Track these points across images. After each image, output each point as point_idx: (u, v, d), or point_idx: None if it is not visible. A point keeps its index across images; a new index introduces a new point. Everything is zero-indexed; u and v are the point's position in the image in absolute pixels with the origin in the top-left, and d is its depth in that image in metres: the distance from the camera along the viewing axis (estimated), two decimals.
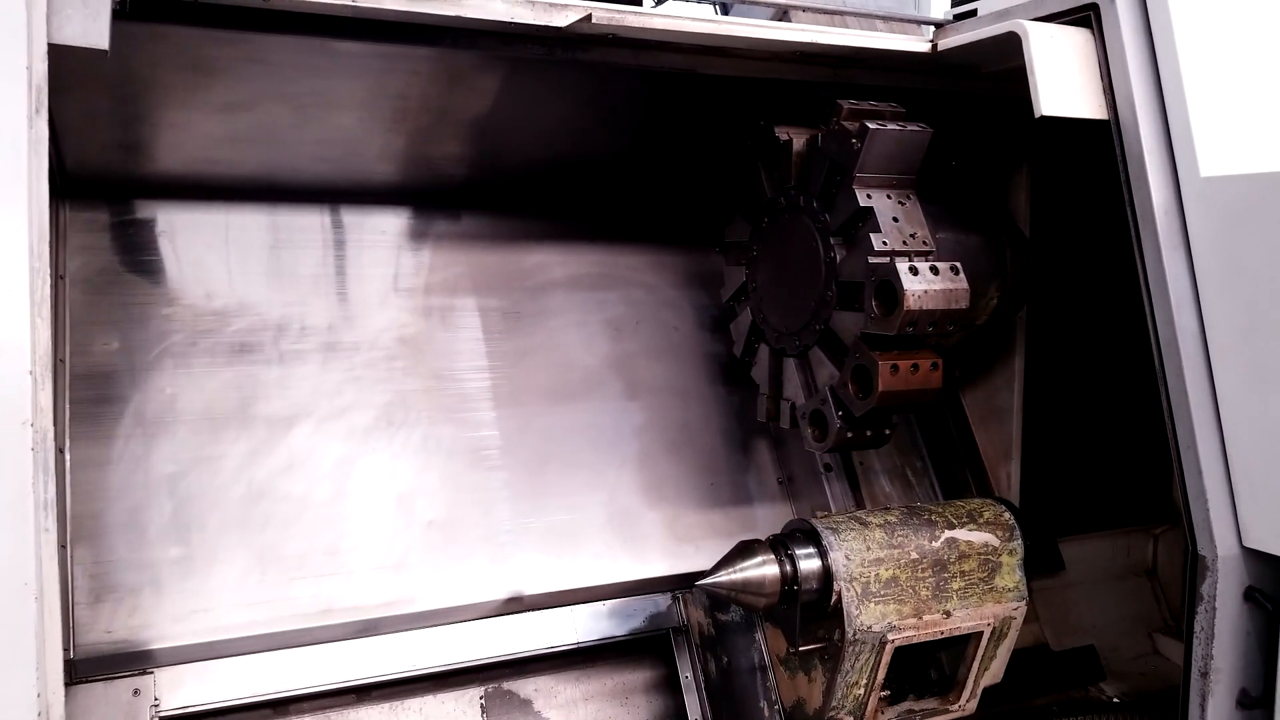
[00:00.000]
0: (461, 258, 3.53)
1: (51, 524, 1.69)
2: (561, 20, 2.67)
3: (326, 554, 3.05)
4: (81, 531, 2.81)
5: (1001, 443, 3.77)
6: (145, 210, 3.14)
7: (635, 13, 2.75)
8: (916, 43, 3.06)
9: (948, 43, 2.97)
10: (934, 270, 2.71)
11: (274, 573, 2.98)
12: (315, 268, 3.32)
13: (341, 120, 3.05)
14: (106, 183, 3.08)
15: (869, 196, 2.81)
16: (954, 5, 3.24)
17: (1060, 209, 3.68)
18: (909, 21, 3.51)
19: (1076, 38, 2.69)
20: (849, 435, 3.00)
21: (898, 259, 2.71)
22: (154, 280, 3.13)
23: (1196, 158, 2.52)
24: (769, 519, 3.61)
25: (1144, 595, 4.15)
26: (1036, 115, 2.62)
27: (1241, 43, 2.66)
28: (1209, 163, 2.51)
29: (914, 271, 2.68)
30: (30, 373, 1.71)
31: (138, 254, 3.13)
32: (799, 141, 3.09)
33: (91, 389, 2.96)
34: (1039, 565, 3.98)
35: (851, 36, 3.02)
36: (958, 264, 2.75)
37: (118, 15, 2.00)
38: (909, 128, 2.82)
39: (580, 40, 2.84)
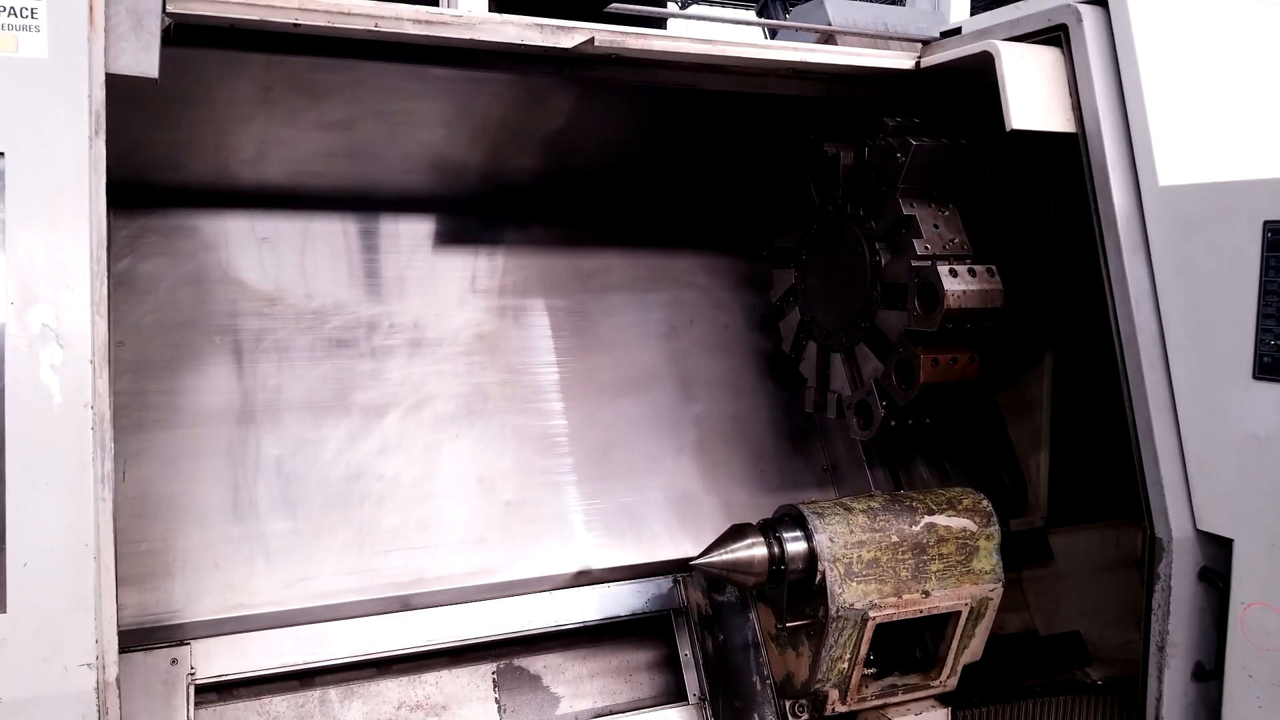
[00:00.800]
0: (531, 262, 3.81)
1: (108, 494, 1.94)
2: (568, 42, 2.87)
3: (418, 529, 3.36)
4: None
5: (1031, 434, 3.97)
6: (236, 219, 3.43)
7: (636, 34, 2.95)
8: (902, 60, 3.24)
9: (930, 61, 3.17)
10: (971, 272, 2.99)
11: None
12: (399, 270, 3.61)
13: (425, 135, 3.34)
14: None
15: (911, 205, 3.09)
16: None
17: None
18: (903, 40, 3.70)
19: (1047, 56, 2.88)
20: (892, 424, 3.27)
21: (939, 262, 2.99)
22: (256, 281, 3.42)
23: (1156, 168, 2.70)
24: None
25: (1132, 585, 4.28)
26: (1007, 129, 2.81)
27: (1198, 62, 2.83)
28: (1167, 172, 2.69)
29: (954, 274, 2.96)
30: (91, 362, 1.95)
31: (235, 258, 3.41)
32: (846, 156, 3.38)
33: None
34: (1028, 555, 4.17)
35: (840, 55, 3.20)
36: (993, 266, 3.03)
37: (165, 41, 2.24)
38: (946, 142, 3.08)
39: (586, 60, 3.05)
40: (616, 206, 3.93)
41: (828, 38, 3.83)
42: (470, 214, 3.74)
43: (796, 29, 3.98)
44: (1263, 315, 2.43)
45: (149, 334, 3.21)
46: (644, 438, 3.74)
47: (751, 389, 3.98)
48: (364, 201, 3.57)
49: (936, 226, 3.08)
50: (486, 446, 3.52)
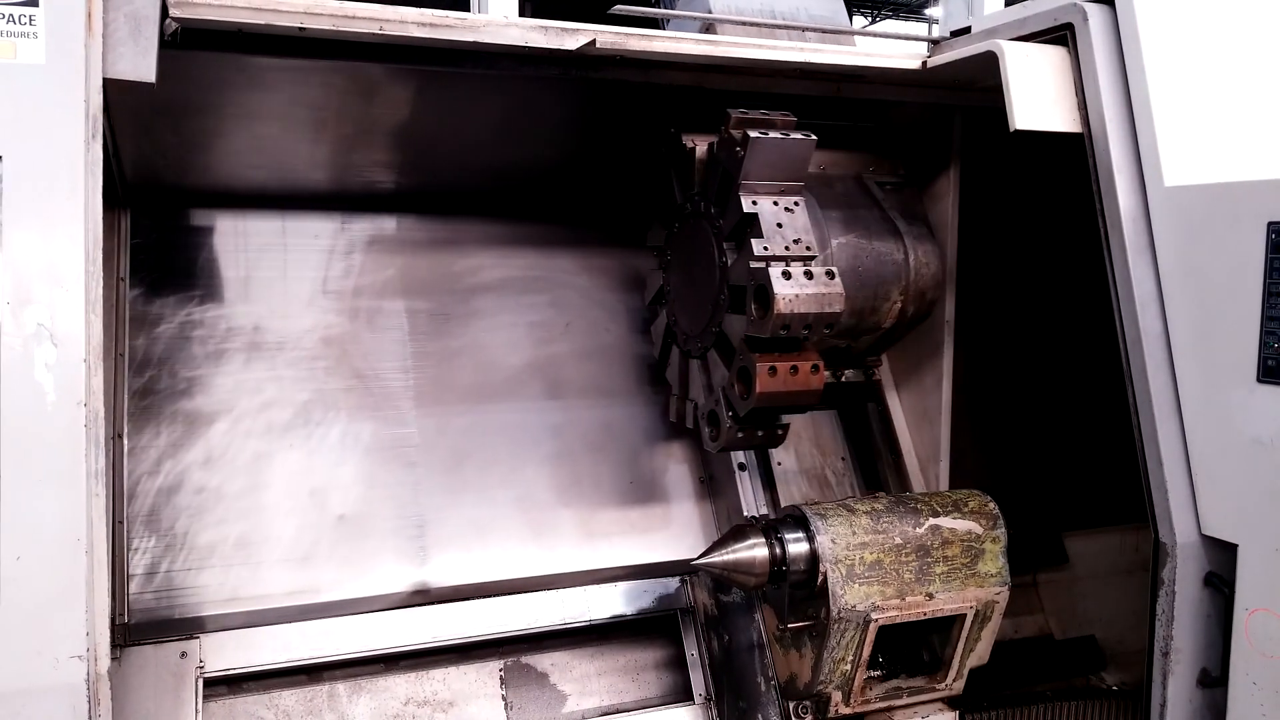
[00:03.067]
0: (394, 262, 3.63)
1: (101, 490, 1.99)
2: (572, 44, 2.87)
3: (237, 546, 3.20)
4: None
5: (932, 443, 3.80)
6: None
7: (639, 35, 2.96)
8: (909, 60, 3.22)
9: (936, 60, 3.14)
10: (809, 275, 2.78)
11: None
12: (245, 270, 3.49)
13: (261, 129, 3.19)
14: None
15: (754, 203, 2.88)
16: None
17: (987, 216, 3.84)
18: (911, 40, 3.67)
19: (1053, 56, 2.85)
20: (739, 435, 3.06)
21: (774, 263, 2.78)
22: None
23: (1161, 168, 2.67)
24: (687, 517, 3.70)
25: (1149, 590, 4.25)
26: (1011, 129, 2.79)
27: (1202, 62, 2.79)
28: (1172, 173, 2.66)
29: (787, 276, 2.75)
30: (85, 360, 2.00)
31: None
32: (701, 149, 3.15)
33: None
34: (1043, 558, 4.13)
35: (847, 55, 3.18)
36: (834, 269, 2.83)
37: (166, 46, 2.28)
38: (792, 136, 2.88)
39: (591, 61, 3.06)
40: (490, 202, 3.78)
41: (708, 27, 3.61)
42: (326, 211, 3.58)
43: (677, 17, 3.89)
44: (1267, 317, 2.40)
45: None
46: (503, 447, 3.56)
47: (628, 395, 3.79)
48: (212, 198, 3.46)
49: (780, 225, 2.85)
50: (324, 457, 3.35)
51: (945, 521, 3.06)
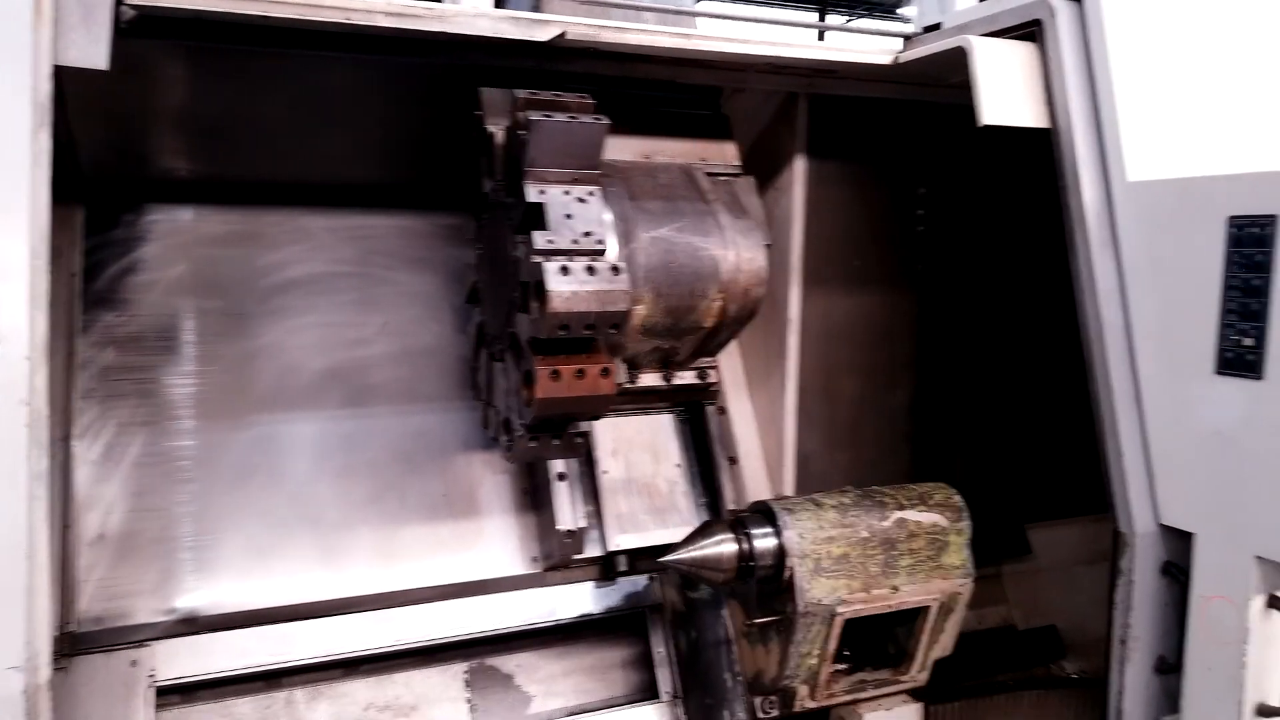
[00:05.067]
0: (185, 256, 3.29)
1: (42, 492, 1.91)
2: (543, 35, 2.81)
3: None
4: None
5: (779, 447, 3.72)
6: None
7: (611, 27, 2.92)
8: (879, 55, 3.22)
9: (907, 56, 3.14)
10: (591, 271, 2.59)
11: None
12: None
13: None
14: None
15: (541, 192, 2.67)
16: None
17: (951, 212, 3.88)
18: (883, 35, 3.67)
19: (1022, 52, 2.86)
20: (531, 445, 2.85)
21: (554, 258, 2.59)
22: None
23: (1125, 164, 2.69)
24: (504, 532, 3.46)
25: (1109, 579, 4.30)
26: (979, 124, 2.80)
27: (1167, 58, 2.81)
28: (1136, 168, 2.68)
29: (565, 271, 2.56)
30: (27, 358, 1.92)
31: None
32: (500, 134, 2.90)
33: None
34: (1006, 550, 4.17)
35: (819, 50, 3.17)
36: (619, 265, 2.64)
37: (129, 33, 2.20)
38: (581, 119, 2.67)
39: (565, 53, 3.02)
40: (305, 194, 3.47)
41: (537, 4, 3.52)
42: (102, 203, 3.21)
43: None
44: (1225, 310, 2.42)
45: None
46: (299, 460, 3.28)
47: (446, 401, 3.50)
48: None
49: (569, 216, 2.64)
50: (84, 472, 3.04)
51: (911, 514, 3.07)
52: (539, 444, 2.86)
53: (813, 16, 22.63)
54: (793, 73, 3.38)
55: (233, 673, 3.01)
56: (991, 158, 3.91)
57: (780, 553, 2.93)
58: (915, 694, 3.29)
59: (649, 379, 3.44)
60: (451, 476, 3.45)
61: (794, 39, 3.17)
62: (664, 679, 3.45)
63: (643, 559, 3.44)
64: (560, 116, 2.65)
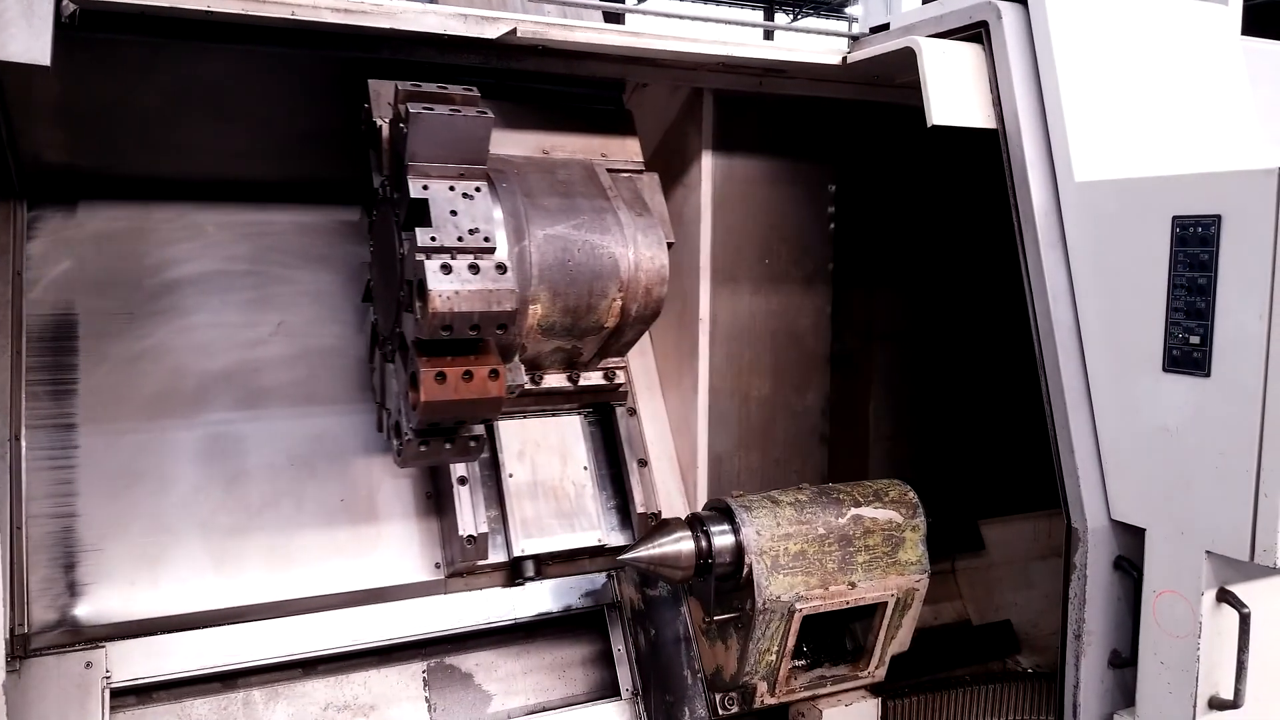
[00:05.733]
0: (75, 253, 3.18)
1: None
2: (493, 33, 2.83)
3: None
4: None
5: (690, 448, 3.68)
6: None
7: (560, 25, 2.93)
8: (828, 55, 3.26)
9: (856, 56, 3.18)
10: (474, 269, 2.50)
11: None
12: None
13: None
14: None
15: (425, 187, 2.58)
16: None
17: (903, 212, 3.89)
18: (831, 35, 3.72)
19: (968, 53, 2.91)
20: (422, 449, 2.75)
21: (435, 255, 2.50)
22: None
23: (1072, 164, 2.74)
24: (404, 538, 3.35)
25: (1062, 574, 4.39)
26: (929, 125, 2.83)
27: (1113, 60, 2.88)
28: (1083, 168, 2.73)
29: (447, 270, 2.47)
30: None
31: None
32: (386, 127, 2.79)
33: None
34: (961, 545, 4.23)
35: (769, 49, 3.20)
36: (504, 263, 2.57)
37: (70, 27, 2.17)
38: (464, 112, 2.59)
39: (514, 51, 3.02)
40: (203, 189, 3.36)
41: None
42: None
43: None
44: (1171, 309, 2.48)
45: None
46: (185, 464, 3.15)
47: (346, 403, 3.37)
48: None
49: (455, 213, 2.55)
50: None
51: (867, 511, 3.10)
52: (429, 448, 2.77)
53: (758, 15, 22.75)
54: (744, 72, 3.41)
55: (189, 674, 2.98)
56: (908, 154, 3.94)
57: (739, 550, 2.95)
58: (873, 689, 3.33)
59: (554, 380, 3.31)
60: (350, 481, 3.33)
61: (745, 38, 3.20)
62: (624, 676, 3.45)
63: (551, 564, 3.41)
64: (442, 109, 2.57)
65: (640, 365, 3.81)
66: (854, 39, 3.30)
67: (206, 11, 2.51)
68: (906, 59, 2.95)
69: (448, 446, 2.78)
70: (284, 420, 3.31)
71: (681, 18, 3.59)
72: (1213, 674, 2.52)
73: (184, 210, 3.32)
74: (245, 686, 3.09)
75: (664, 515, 3.42)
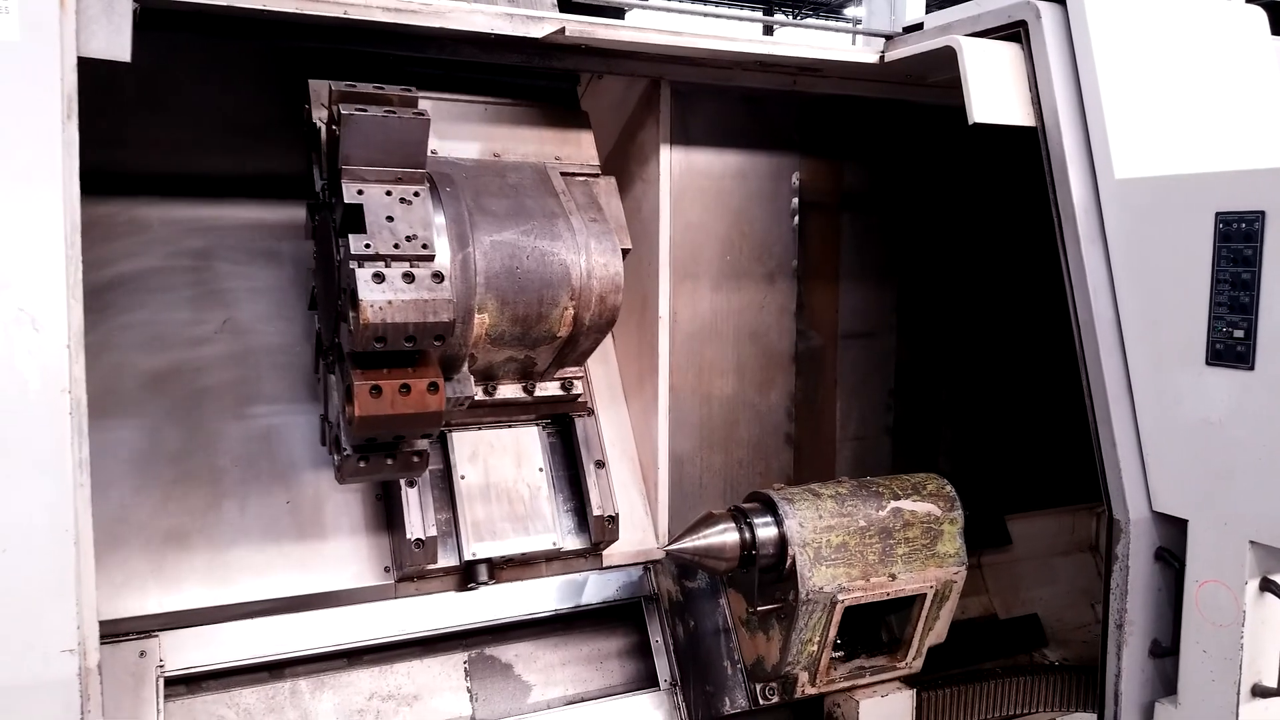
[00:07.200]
0: None
1: (86, 479, 1.93)
2: (538, 32, 2.88)
3: None
4: None
5: (651, 448, 3.57)
6: None
7: (605, 24, 2.98)
8: (866, 54, 3.31)
9: (894, 55, 3.23)
10: (409, 278, 2.40)
11: None
12: None
13: None
14: None
15: (359, 191, 2.48)
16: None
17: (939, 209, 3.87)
18: (866, 34, 3.76)
19: (1007, 52, 2.95)
20: (362, 465, 2.66)
21: (367, 264, 2.39)
22: None
23: (1112, 161, 2.78)
24: (351, 544, 3.22)
25: (1088, 569, 4.42)
26: (970, 123, 2.88)
27: (1152, 57, 2.92)
28: (1123, 165, 2.78)
29: (379, 279, 2.37)
30: (67, 346, 1.95)
31: None
32: (325, 128, 2.66)
33: None
34: (987, 540, 4.27)
35: (806, 49, 3.24)
36: (441, 271, 2.47)
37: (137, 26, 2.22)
38: (399, 114, 2.49)
39: (556, 49, 3.06)
40: (143, 182, 3.22)
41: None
42: None
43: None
44: (1214, 303, 2.52)
45: None
46: (116, 469, 2.99)
47: (293, 405, 3.25)
48: None
49: (391, 219, 2.45)
50: None
51: (906, 504, 3.15)
52: (369, 464, 2.67)
53: (757, 15, 22.84)
54: (779, 70, 3.45)
55: (239, 663, 3.01)
56: (907, 152, 3.95)
57: (782, 541, 2.99)
58: (909, 681, 3.37)
59: (509, 390, 3.21)
60: (297, 483, 3.21)
61: (782, 38, 3.24)
62: (662, 667, 3.47)
63: (504, 568, 3.32)
64: (376, 111, 2.46)
65: (601, 365, 3.69)
66: (888, 39, 3.35)
67: (262, 11, 2.55)
68: (941, 59, 2.99)
69: (389, 462, 2.69)
70: (226, 422, 3.18)
71: (684, 12, 3.60)
72: (1255, 662, 2.56)
73: (127, 205, 3.20)
74: (292, 676, 3.12)
75: (622, 519, 3.34)
